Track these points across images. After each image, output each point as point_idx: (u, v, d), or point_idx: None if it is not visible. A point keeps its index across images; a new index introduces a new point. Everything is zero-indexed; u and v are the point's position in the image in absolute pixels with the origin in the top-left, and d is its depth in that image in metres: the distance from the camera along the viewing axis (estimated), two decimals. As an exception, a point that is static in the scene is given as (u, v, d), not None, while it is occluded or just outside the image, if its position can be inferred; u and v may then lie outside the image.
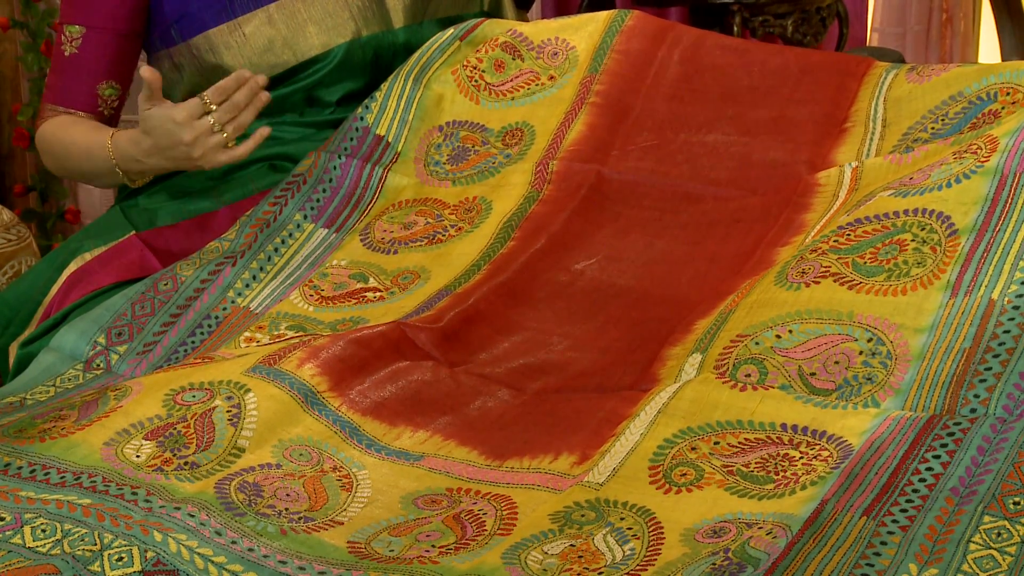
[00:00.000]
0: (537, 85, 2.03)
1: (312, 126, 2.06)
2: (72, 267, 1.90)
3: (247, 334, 1.72)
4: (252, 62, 2.02)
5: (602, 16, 2.09)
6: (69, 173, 2.03)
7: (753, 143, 1.90)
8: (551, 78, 2.03)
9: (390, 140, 1.99)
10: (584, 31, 2.07)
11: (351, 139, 1.98)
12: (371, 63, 2.08)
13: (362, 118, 1.99)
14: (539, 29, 2.09)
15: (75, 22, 1.97)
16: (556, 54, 2.05)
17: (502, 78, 2.04)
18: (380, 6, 2.08)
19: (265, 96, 1.78)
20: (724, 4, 2.84)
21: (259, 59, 2.02)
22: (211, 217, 1.95)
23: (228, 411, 1.47)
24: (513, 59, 2.04)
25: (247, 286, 1.80)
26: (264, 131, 1.81)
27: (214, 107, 1.76)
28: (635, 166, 1.91)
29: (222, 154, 1.79)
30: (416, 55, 2.05)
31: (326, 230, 1.90)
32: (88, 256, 1.91)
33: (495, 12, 2.23)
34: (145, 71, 1.76)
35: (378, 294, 1.79)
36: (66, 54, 1.97)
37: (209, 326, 1.75)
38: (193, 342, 1.73)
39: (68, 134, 1.95)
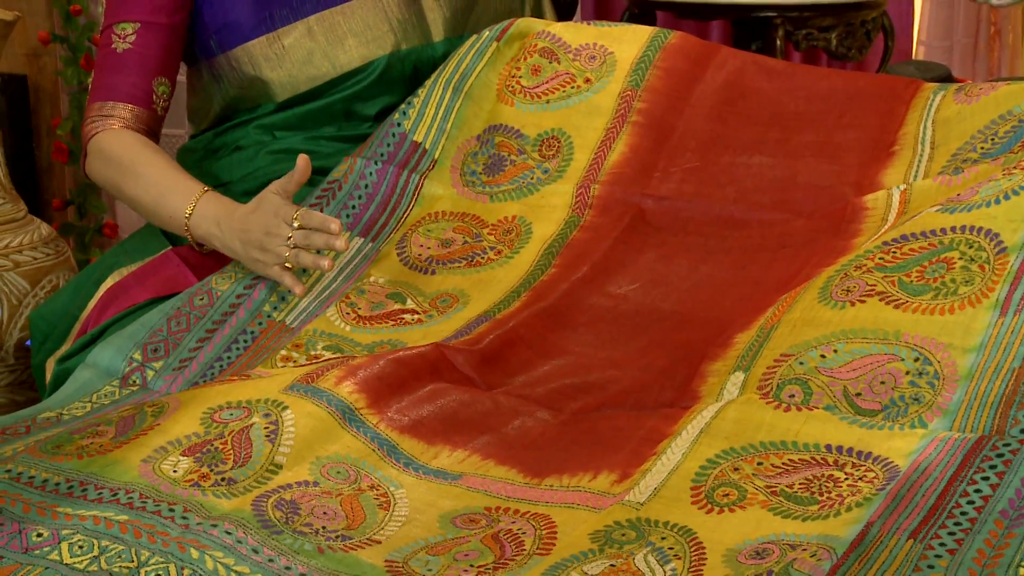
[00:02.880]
0: (573, 88, 2.01)
1: (350, 140, 2.05)
2: (109, 282, 1.90)
3: (284, 352, 1.71)
4: (291, 74, 2.02)
5: (644, 30, 2.06)
6: (120, 196, 1.99)
7: (798, 165, 1.88)
8: (587, 80, 2.01)
9: (427, 147, 1.97)
10: (624, 41, 2.04)
11: (387, 144, 1.97)
12: (410, 77, 2.08)
13: (399, 124, 1.98)
14: (577, 33, 2.06)
15: (128, 19, 1.97)
16: (594, 58, 2.03)
17: (537, 81, 2.02)
18: (420, 19, 2.08)
19: (340, 243, 1.69)
20: (767, 18, 2.81)
21: (298, 71, 2.02)
22: (248, 232, 1.94)
23: (265, 428, 1.47)
24: (550, 63, 2.03)
25: (283, 299, 1.79)
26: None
27: (296, 224, 1.72)
28: (678, 189, 1.89)
29: (275, 267, 1.75)
30: (455, 60, 2.03)
31: (362, 239, 1.88)
32: (125, 271, 1.91)
33: (536, 23, 2.22)
34: (300, 159, 1.72)
35: (416, 316, 1.78)
36: (119, 51, 1.97)
37: (245, 341, 1.75)
38: (229, 357, 1.73)
39: (143, 164, 1.90)
